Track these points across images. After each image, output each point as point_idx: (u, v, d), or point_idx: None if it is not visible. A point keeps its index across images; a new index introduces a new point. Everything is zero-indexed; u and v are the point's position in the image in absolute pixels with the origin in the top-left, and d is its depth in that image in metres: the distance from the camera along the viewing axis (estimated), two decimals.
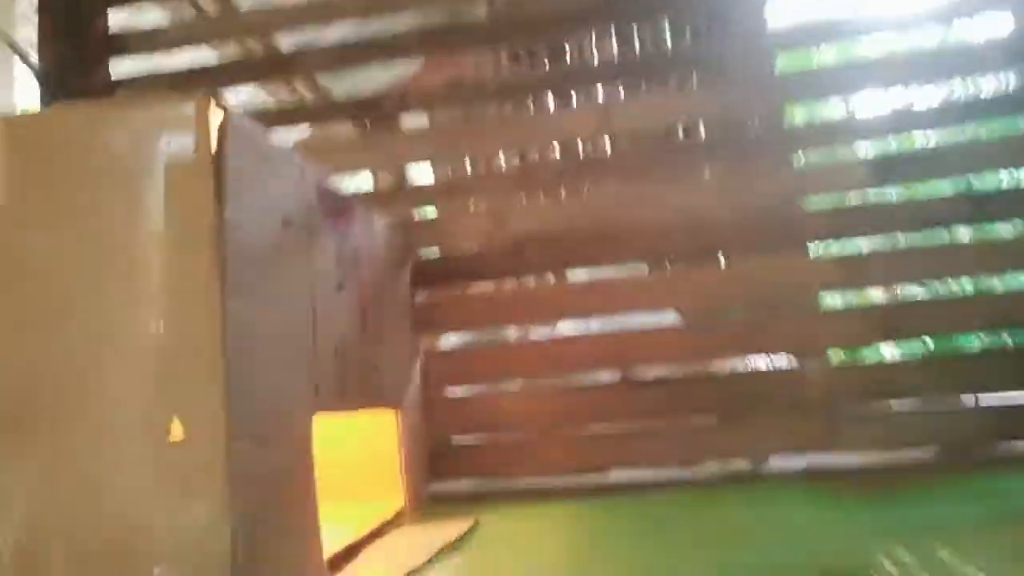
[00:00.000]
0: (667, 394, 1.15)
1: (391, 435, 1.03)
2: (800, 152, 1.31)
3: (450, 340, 1.32)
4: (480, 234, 1.20)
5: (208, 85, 1.32)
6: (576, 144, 1.67)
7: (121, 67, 1.31)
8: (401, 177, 1.44)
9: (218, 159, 0.63)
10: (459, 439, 1.19)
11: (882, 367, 1.24)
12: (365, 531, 0.88)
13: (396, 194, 1.24)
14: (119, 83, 1.29)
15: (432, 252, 1.23)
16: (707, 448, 1.14)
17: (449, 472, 1.17)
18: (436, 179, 1.24)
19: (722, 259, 1.51)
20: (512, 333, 1.34)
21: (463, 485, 1.18)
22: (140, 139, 0.64)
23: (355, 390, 0.87)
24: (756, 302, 1.24)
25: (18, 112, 1.22)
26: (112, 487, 0.60)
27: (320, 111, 1.28)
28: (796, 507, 0.95)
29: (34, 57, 1.18)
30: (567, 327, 1.29)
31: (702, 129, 1.60)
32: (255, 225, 0.67)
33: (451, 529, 0.90)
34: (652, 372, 1.21)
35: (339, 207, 0.88)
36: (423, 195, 1.23)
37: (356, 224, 0.92)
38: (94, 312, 0.62)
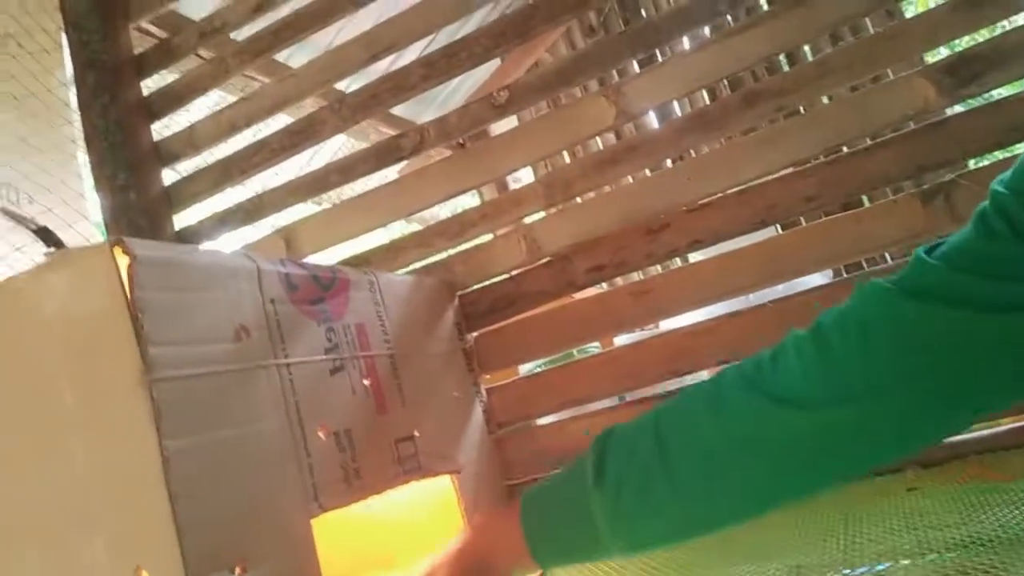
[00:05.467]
0: None
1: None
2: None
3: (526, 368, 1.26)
4: (521, 253, 1.13)
5: (269, 159, 1.33)
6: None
7: (178, 168, 1.39)
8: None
9: (132, 304, 0.63)
10: (537, 477, 1.13)
11: None
12: None
13: (422, 236, 1.20)
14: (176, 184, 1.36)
15: (476, 285, 1.17)
16: None
17: None
18: (464, 209, 1.18)
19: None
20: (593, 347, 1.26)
21: None
22: (62, 302, 0.65)
23: (377, 472, 0.85)
24: None
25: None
26: None
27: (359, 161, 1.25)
28: None
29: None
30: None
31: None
32: (193, 354, 0.67)
33: None
34: None
35: (323, 288, 0.86)
36: (451, 229, 1.18)
37: (350, 297, 0.90)
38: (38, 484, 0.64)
